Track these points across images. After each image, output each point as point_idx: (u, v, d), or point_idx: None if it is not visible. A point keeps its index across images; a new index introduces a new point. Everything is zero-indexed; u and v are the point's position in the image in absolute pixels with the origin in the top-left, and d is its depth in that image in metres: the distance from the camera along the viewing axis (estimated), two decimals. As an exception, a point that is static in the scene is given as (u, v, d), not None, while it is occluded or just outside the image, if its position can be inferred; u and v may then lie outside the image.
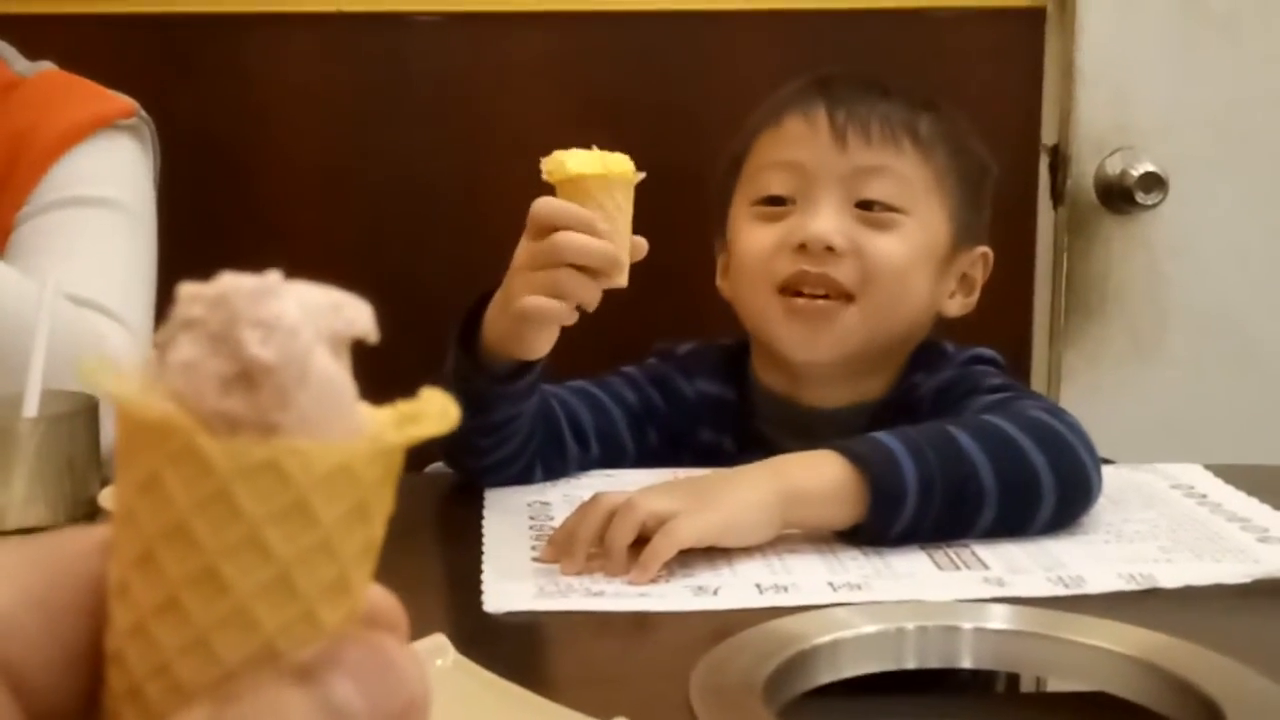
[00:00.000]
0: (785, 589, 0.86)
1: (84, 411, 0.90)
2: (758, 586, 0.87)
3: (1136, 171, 1.76)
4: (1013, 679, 0.95)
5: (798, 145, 1.15)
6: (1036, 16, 1.80)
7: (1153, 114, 1.79)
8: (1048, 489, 0.97)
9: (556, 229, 0.95)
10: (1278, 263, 1.82)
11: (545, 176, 0.95)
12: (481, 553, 0.94)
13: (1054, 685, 0.86)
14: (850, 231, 1.12)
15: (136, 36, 1.75)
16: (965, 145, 1.20)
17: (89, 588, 0.28)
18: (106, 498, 0.88)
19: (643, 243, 0.98)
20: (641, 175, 0.95)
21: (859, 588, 0.87)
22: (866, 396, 1.19)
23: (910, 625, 0.80)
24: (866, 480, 0.93)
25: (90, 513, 0.91)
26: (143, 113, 1.40)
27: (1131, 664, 0.76)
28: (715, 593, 0.86)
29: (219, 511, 0.26)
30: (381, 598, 0.29)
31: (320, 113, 1.79)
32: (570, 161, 0.93)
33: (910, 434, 0.97)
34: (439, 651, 0.70)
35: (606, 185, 0.93)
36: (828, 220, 1.12)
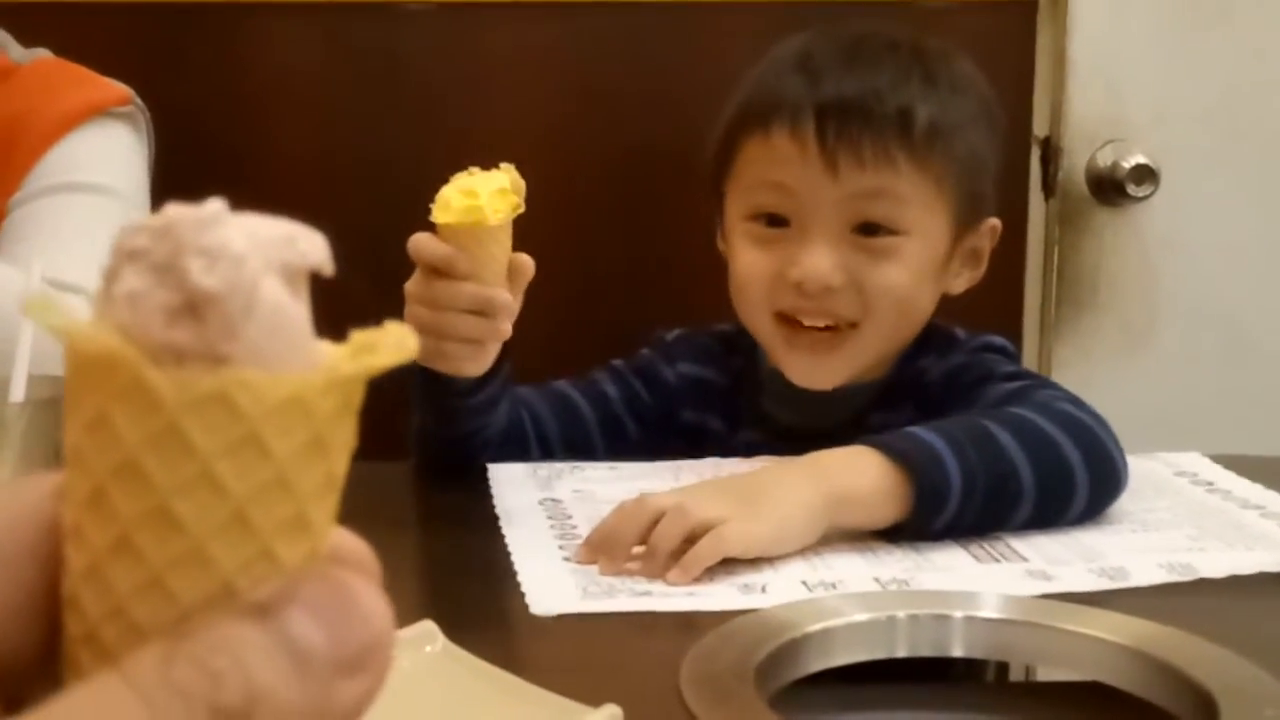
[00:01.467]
0: (833, 585, 0.86)
1: (57, 402, 0.89)
2: (804, 584, 0.86)
3: (1128, 164, 1.76)
4: (1001, 668, 0.95)
5: (787, 167, 1.10)
6: (1028, 8, 1.80)
7: (1144, 106, 1.79)
8: (1081, 484, 0.97)
9: (427, 272, 1.00)
10: (1269, 255, 1.82)
11: (431, 218, 0.98)
12: (507, 550, 0.93)
13: (1046, 674, 0.86)
14: (849, 263, 1.10)
15: (131, 25, 1.74)
16: (964, 120, 1.13)
17: (44, 534, 0.27)
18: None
19: (528, 262, 1.01)
20: (520, 210, 0.97)
21: (906, 583, 0.87)
22: (869, 377, 1.19)
23: (901, 614, 0.79)
24: (910, 479, 0.93)
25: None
26: (138, 100, 1.39)
27: (1124, 653, 0.76)
28: (763, 590, 0.85)
29: (169, 447, 0.26)
30: (348, 539, 0.28)
31: (313, 102, 1.78)
32: (439, 209, 0.97)
33: (949, 430, 0.96)
34: (428, 638, 0.70)
35: (475, 235, 0.97)
36: (823, 258, 1.09)
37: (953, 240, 1.14)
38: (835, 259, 1.09)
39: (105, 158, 1.33)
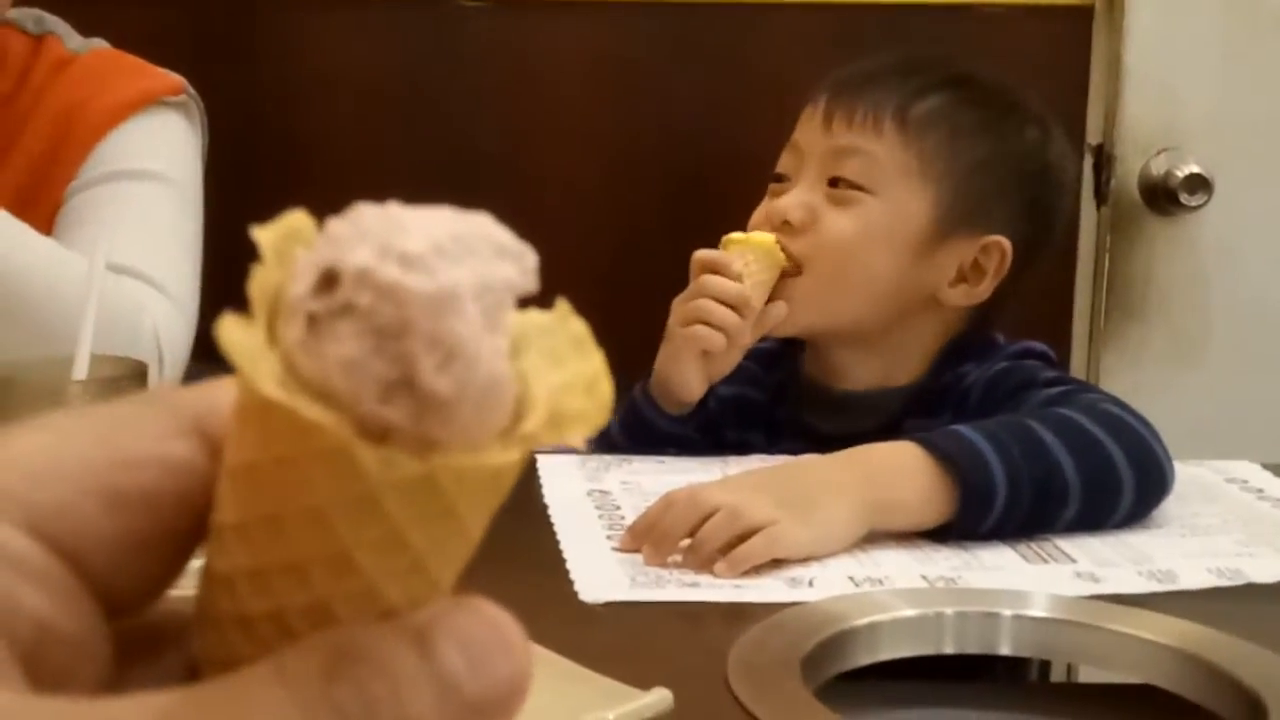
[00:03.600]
0: (880, 582, 0.86)
1: (132, 377, 0.91)
2: (851, 579, 0.87)
3: (1181, 172, 1.75)
4: (1044, 668, 0.95)
5: (801, 128, 1.21)
6: (1084, 15, 1.79)
7: (1199, 115, 1.78)
8: (1127, 483, 0.97)
9: (702, 271, 1.16)
10: (1322, 267, 1.80)
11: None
12: (556, 539, 0.95)
13: (1093, 675, 0.86)
14: (814, 206, 1.16)
15: (187, 16, 1.76)
16: (977, 129, 1.18)
17: (160, 474, 0.27)
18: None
19: (781, 310, 1.16)
20: (783, 259, 1.15)
21: (953, 581, 0.87)
22: (897, 380, 1.20)
23: (949, 610, 0.80)
24: (956, 481, 0.93)
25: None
26: (191, 90, 1.41)
27: (1172, 655, 0.76)
28: (810, 584, 0.86)
29: (363, 513, 0.25)
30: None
31: (366, 97, 1.80)
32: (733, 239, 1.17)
33: (993, 430, 0.96)
34: (480, 620, 0.71)
35: (756, 253, 1.15)
36: (792, 196, 1.17)
37: (935, 230, 1.16)
38: (800, 199, 1.17)
39: (159, 146, 1.35)
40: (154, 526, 0.27)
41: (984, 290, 1.18)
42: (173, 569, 0.28)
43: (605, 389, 0.28)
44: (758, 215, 1.21)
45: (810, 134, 1.19)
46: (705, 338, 1.15)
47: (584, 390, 0.27)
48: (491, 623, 0.26)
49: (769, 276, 1.16)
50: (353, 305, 0.24)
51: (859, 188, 1.15)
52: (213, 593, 0.27)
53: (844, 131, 1.16)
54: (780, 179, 1.21)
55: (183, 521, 0.28)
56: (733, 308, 1.14)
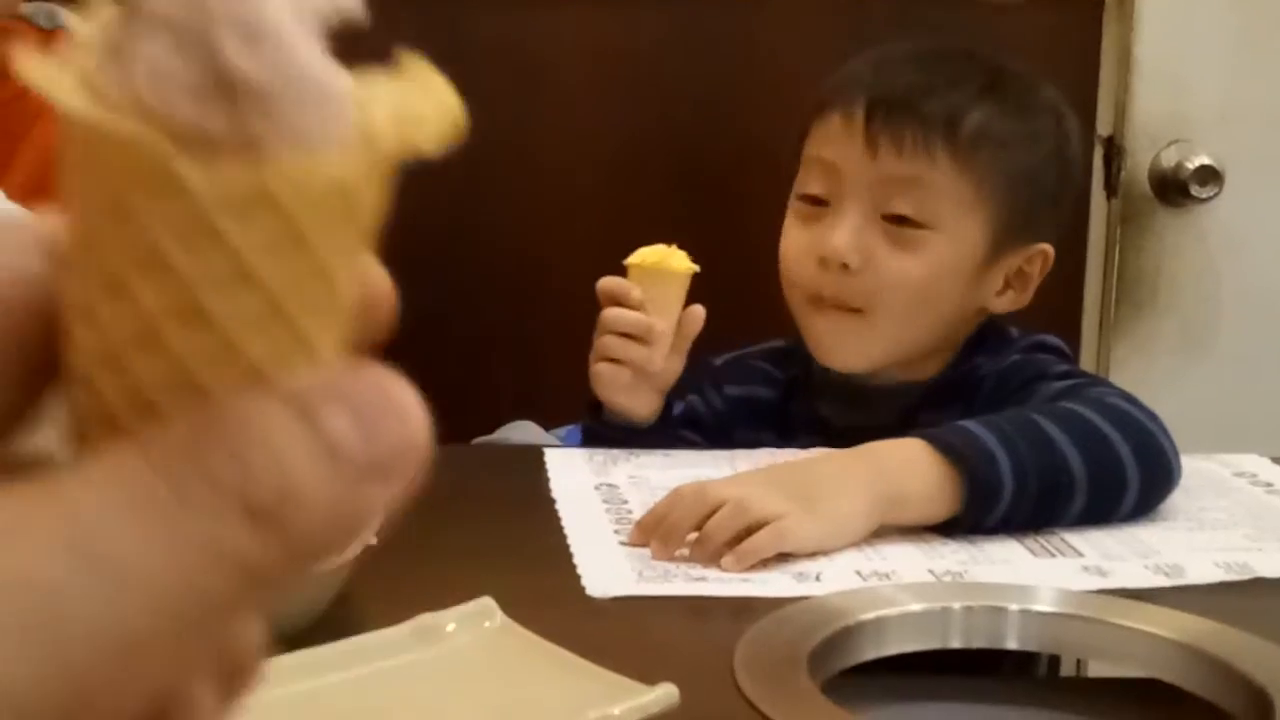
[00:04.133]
0: (888, 576, 0.86)
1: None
2: (858, 573, 0.87)
3: (1192, 164, 1.74)
4: (1053, 663, 0.95)
5: (835, 145, 1.14)
6: (1094, 6, 1.79)
7: (1209, 106, 1.77)
8: (1133, 477, 0.97)
9: (606, 304, 1.15)
10: (1332, 259, 1.80)
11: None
12: (563, 533, 0.95)
13: (1100, 670, 0.86)
14: (870, 246, 1.12)
15: None
16: (1023, 139, 1.14)
17: (22, 284, 0.25)
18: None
19: (698, 314, 1.16)
20: (694, 269, 1.14)
21: (960, 575, 0.87)
22: (921, 376, 1.20)
23: (956, 605, 0.80)
24: (963, 476, 0.93)
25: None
26: None
27: (1179, 650, 0.75)
28: (817, 578, 0.86)
29: (200, 242, 0.23)
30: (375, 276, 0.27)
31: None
32: (634, 258, 1.14)
33: (999, 424, 0.96)
34: (486, 614, 0.71)
35: (652, 273, 1.14)
36: (846, 235, 1.11)
37: (991, 251, 1.14)
38: (857, 239, 1.12)
39: None
40: (15, 341, 0.25)
41: (1029, 294, 1.18)
42: (27, 399, 0.26)
43: (452, 98, 0.26)
44: (799, 244, 1.16)
45: (851, 158, 1.12)
46: (610, 377, 1.15)
47: (429, 99, 0.26)
48: (378, 385, 0.24)
49: (676, 289, 1.15)
50: (154, 13, 0.23)
51: (920, 225, 1.11)
52: (78, 400, 0.25)
53: (894, 160, 1.10)
54: (817, 202, 1.15)
55: (35, 341, 0.25)
56: (637, 338, 1.14)
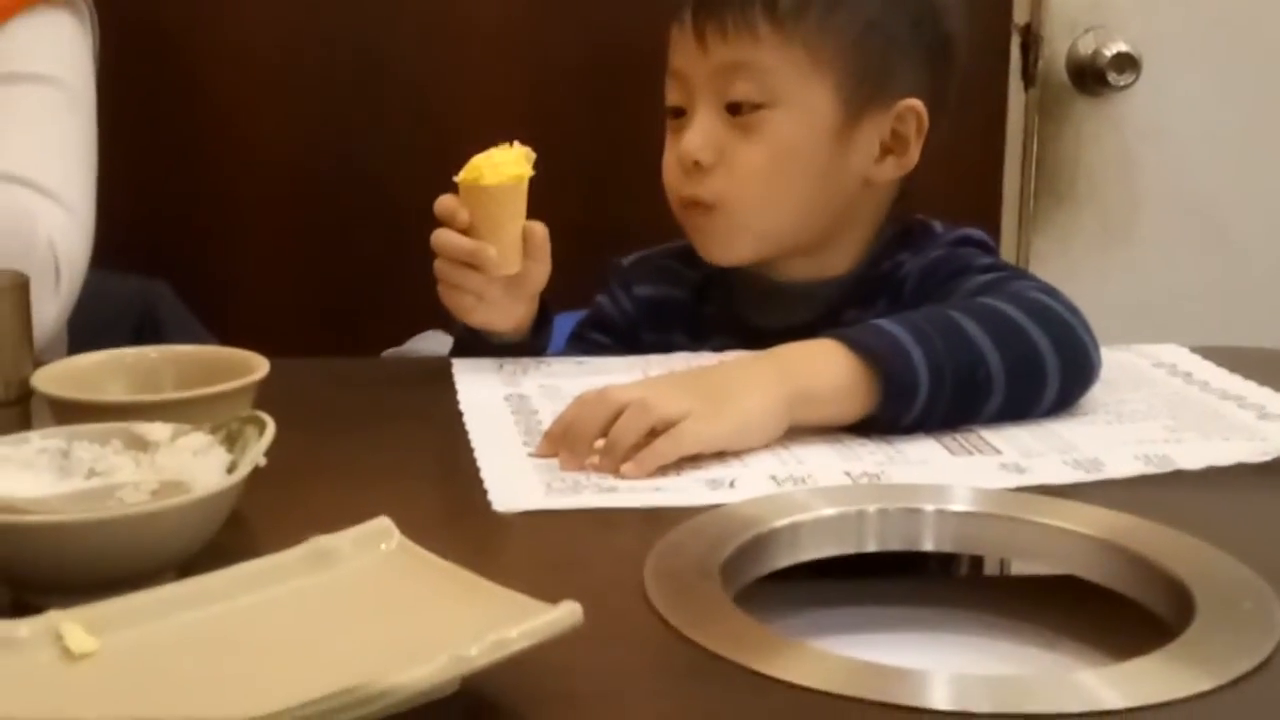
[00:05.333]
0: (803, 480, 0.84)
1: (12, 289, 0.86)
2: (773, 478, 0.84)
3: (1109, 51, 1.72)
4: (976, 563, 0.93)
5: (679, 52, 1.14)
6: (1010, -110, 1.75)
7: (1127, -8, 1.75)
8: (1052, 371, 0.95)
9: (439, 224, 1.10)
10: (1250, 145, 1.79)
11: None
12: (470, 446, 0.91)
13: (1018, 568, 0.85)
14: (722, 141, 1.12)
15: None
16: None
17: None
18: (39, 379, 0.85)
19: (536, 229, 1.10)
20: (523, 177, 1.08)
21: (877, 476, 0.84)
22: (835, 270, 1.17)
23: (871, 508, 0.78)
24: (877, 373, 0.91)
25: (23, 394, 0.87)
26: None
27: (1098, 546, 0.74)
28: (731, 485, 0.83)
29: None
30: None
31: (274, 6, 1.74)
32: (468, 171, 1.08)
33: (914, 320, 0.94)
34: (383, 535, 0.68)
35: (473, 195, 1.08)
36: (694, 136, 1.12)
37: (847, 114, 1.12)
38: (706, 138, 1.12)
39: (47, 47, 1.28)
40: None
41: (912, 157, 1.15)
42: None
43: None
44: (668, 158, 1.16)
45: (688, 58, 1.13)
46: (452, 302, 1.11)
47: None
48: None
49: (505, 203, 1.09)
50: None
51: (758, 105, 1.11)
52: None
53: (720, 47, 1.10)
54: (677, 113, 1.15)
55: None
56: (468, 264, 1.09)
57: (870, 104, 1.12)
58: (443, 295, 1.12)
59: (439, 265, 1.10)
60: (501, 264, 1.09)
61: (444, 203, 1.09)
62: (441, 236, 1.09)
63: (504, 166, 1.07)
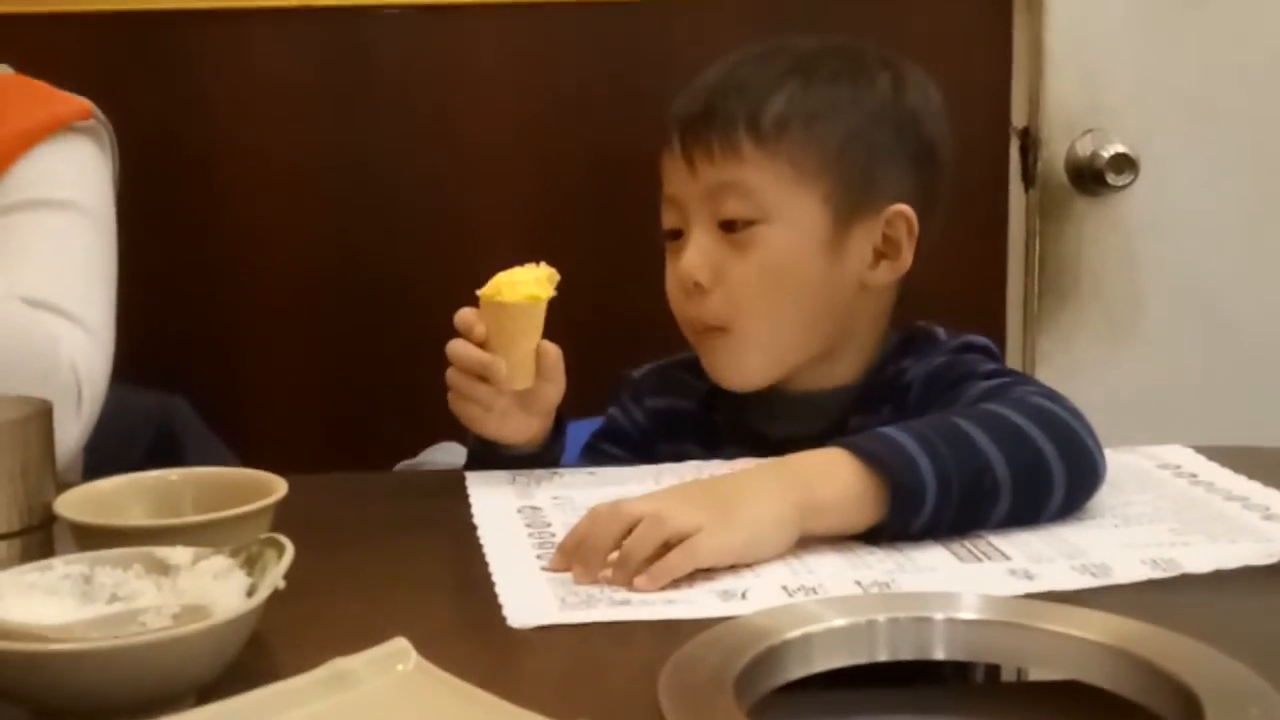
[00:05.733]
0: (814, 590, 0.85)
1: (38, 417, 0.88)
2: (785, 589, 0.85)
3: (1107, 152, 1.75)
4: (992, 671, 0.94)
5: (671, 178, 1.18)
6: (1004, -2, 1.79)
7: (1122, 94, 1.78)
8: (1058, 477, 0.96)
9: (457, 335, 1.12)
10: (1251, 239, 1.81)
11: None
12: (484, 560, 0.93)
13: (1038, 676, 0.85)
14: (719, 261, 1.14)
15: (95, 35, 1.73)
16: (839, 104, 1.14)
17: None
18: (61, 504, 0.87)
19: (549, 349, 1.13)
20: (540, 299, 1.10)
21: (887, 585, 0.85)
22: (841, 379, 1.19)
23: (881, 617, 0.78)
24: (885, 482, 0.92)
25: (46, 519, 0.89)
26: (100, 115, 1.38)
27: (1107, 652, 0.74)
28: (743, 596, 0.84)
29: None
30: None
31: (285, 108, 1.78)
32: (490, 287, 1.11)
33: (919, 429, 0.95)
34: (400, 656, 0.69)
35: (492, 311, 1.11)
36: (691, 256, 1.14)
37: (837, 223, 1.14)
38: (703, 258, 1.14)
39: (68, 173, 1.32)
40: None
41: (905, 260, 1.17)
42: None
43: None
44: (670, 281, 1.18)
45: (680, 182, 1.16)
46: (461, 413, 1.14)
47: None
48: None
49: (521, 320, 1.11)
50: None
51: (751, 221, 1.13)
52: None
53: (708, 169, 1.14)
54: (675, 235, 1.18)
55: None
56: (480, 376, 1.11)
57: (859, 211, 1.15)
58: (452, 404, 1.14)
59: (451, 374, 1.12)
60: (512, 379, 1.12)
61: (463, 315, 1.12)
62: (456, 347, 1.12)
63: (524, 285, 1.10)
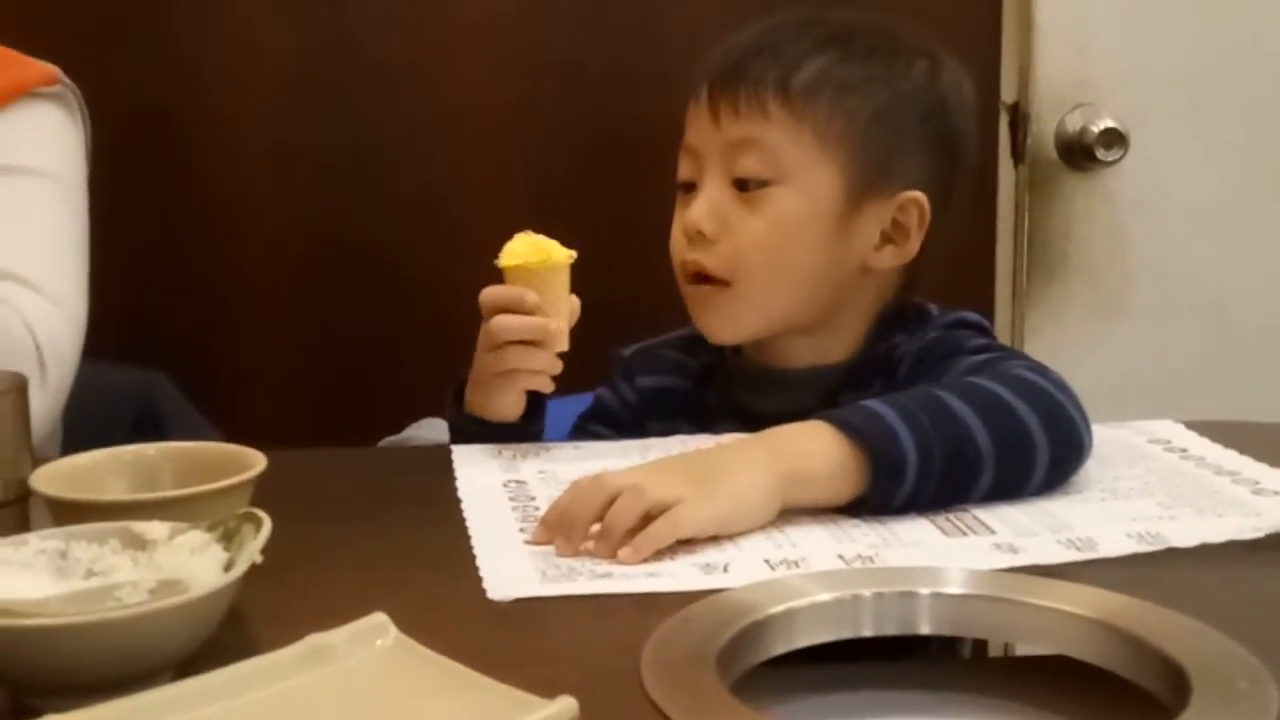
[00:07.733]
0: (796, 564, 0.84)
1: (11, 392, 0.87)
2: (767, 562, 0.84)
3: (1097, 128, 1.74)
4: (980, 645, 0.93)
5: (693, 129, 1.17)
6: (994, -28, 1.78)
7: (1112, 69, 1.77)
8: (1041, 449, 0.95)
9: (496, 312, 1.10)
10: (1239, 214, 1.81)
11: (497, 263, 1.11)
12: (468, 534, 0.92)
13: (1025, 651, 0.85)
14: (727, 214, 1.13)
15: (68, 3, 1.71)
16: (870, 81, 1.14)
17: None
18: (37, 479, 0.86)
19: (577, 303, 1.13)
20: (574, 255, 1.11)
21: (870, 559, 0.85)
22: (833, 357, 1.19)
23: (866, 592, 0.78)
24: (865, 454, 0.91)
25: (21, 494, 0.88)
26: (66, 80, 1.36)
27: (1092, 626, 0.74)
28: (725, 569, 0.84)
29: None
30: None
31: (263, 78, 1.76)
32: (508, 256, 1.10)
33: (901, 401, 0.95)
34: (379, 631, 0.68)
35: (541, 272, 1.10)
36: (701, 205, 1.14)
37: (850, 199, 1.13)
38: (712, 208, 1.14)
39: (34, 138, 1.30)
40: None
41: (912, 247, 1.16)
42: None
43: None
44: (675, 229, 1.18)
45: (701, 132, 1.15)
46: (528, 383, 1.13)
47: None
48: None
49: (565, 282, 1.12)
50: None
51: (764, 182, 1.12)
52: None
53: (732, 123, 1.13)
54: (688, 187, 1.17)
55: None
56: (535, 343, 1.10)
57: (873, 191, 1.14)
58: (513, 382, 1.12)
59: (504, 353, 1.11)
60: (561, 340, 1.11)
61: (505, 290, 1.10)
62: (507, 320, 1.10)
63: (544, 247, 1.10)
